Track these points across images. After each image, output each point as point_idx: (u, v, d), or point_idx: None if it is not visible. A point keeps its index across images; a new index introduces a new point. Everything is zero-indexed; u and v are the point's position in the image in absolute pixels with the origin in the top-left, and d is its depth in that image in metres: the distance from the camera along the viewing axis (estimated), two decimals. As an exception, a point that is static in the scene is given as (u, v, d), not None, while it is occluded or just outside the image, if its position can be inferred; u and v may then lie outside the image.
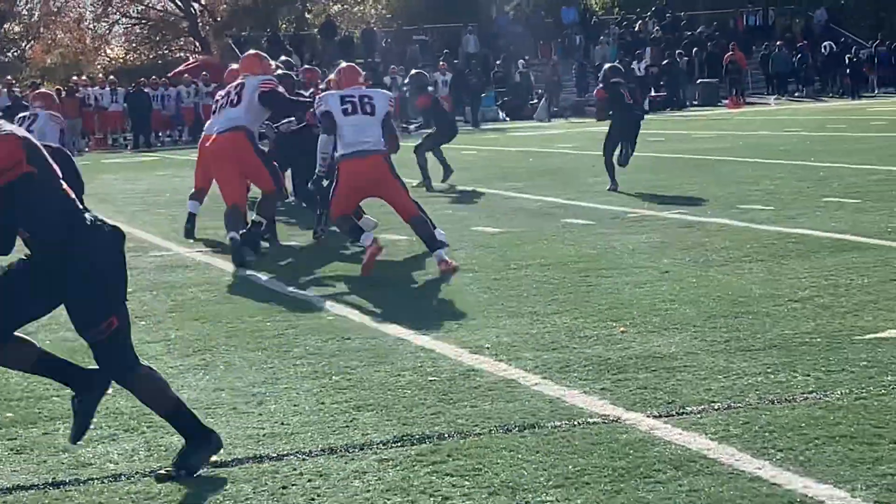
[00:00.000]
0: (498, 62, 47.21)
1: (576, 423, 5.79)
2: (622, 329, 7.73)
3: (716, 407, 5.93)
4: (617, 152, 17.03)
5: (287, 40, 49.32)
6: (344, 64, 11.89)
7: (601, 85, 17.73)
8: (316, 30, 54.61)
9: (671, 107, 44.69)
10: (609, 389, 6.36)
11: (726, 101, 44.76)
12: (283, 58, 17.62)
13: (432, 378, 6.77)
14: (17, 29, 69.64)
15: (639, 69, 45.68)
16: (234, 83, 12.23)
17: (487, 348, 7.43)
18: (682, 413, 5.88)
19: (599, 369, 6.78)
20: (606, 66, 19.22)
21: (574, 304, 8.62)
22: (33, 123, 13.16)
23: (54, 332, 8.52)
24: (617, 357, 7.04)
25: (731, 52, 46.85)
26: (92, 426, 5.64)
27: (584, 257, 10.69)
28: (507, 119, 43.81)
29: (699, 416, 5.81)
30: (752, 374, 6.51)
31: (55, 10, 68.78)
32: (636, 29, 51.79)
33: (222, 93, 12.45)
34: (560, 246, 11.46)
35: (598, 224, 12.86)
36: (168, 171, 24.91)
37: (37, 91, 19.58)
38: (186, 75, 43.38)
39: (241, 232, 11.52)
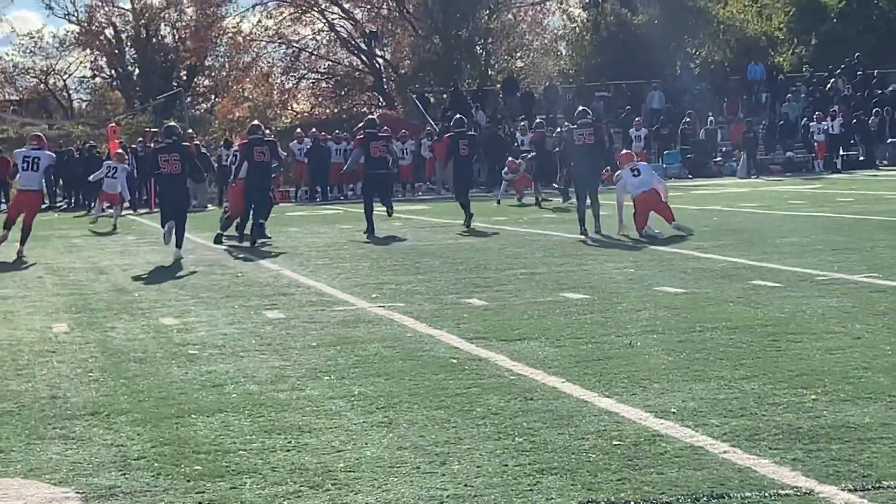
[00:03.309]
0: (686, 120, 46.71)
1: (767, 494, 5.62)
2: (812, 396, 7.51)
3: (915, 483, 5.71)
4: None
5: (469, 96, 49.75)
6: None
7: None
8: (498, 85, 54.98)
9: (861, 167, 43.78)
10: (801, 460, 6.17)
11: (919, 162, 43.67)
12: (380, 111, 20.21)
13: (617, 443, 6.66)
14: (206, 83, 71.74)
15: (831, 127, 44.84)
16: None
17: (673, 413, 7.28)
18: (879, 487, 5.66)
19: (790, 438, 6.59)
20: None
21: (762, 370, 8.41)
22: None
23: (241, 384, 8.65)
24: (808, 426, 6.83)
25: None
26: (276, 482, 5.65)
27: (771, 321, 10.44)
28: (690, 176, 43.45)
29: (897, 491, 5.60)
30: (953, 448, 6.25)
31: (244, 65, 70.60)
32: (826, 87, 50.86)
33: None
34: (747, 308, 11.22)
35: (785, 286, 12.57)
36: (350, 225, 25.18)
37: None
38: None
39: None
